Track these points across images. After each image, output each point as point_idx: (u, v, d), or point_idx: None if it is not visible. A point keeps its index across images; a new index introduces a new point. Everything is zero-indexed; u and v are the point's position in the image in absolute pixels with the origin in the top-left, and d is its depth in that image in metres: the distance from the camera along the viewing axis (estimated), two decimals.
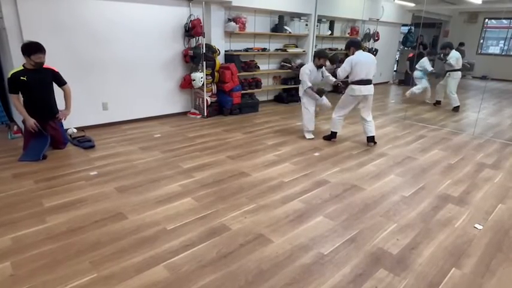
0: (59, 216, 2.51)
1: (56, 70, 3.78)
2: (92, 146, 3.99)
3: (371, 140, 4.40)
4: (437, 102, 7.20)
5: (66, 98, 3.90)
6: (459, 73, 6.59)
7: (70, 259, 2.05)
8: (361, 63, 4.02)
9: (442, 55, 6.60)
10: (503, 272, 2.08)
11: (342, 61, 4.40)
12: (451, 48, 6.56)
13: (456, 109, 6.69)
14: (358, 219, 2.61)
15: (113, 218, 2.51)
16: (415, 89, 7.16)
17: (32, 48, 3.50)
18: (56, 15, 4.11)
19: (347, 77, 4.16)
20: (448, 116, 6.29)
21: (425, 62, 6.97)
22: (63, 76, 3.86)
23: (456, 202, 2.96)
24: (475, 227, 2.57)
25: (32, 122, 3.65)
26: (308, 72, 4.41)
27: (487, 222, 2.64)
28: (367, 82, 4.07)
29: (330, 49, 7.99)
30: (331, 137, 4.52)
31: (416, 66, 7.15)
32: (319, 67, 4.50)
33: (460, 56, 6.56)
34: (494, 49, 13.05)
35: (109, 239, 2.26)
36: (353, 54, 4.11)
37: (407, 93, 7.30)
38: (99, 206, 2.69)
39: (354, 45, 4.17)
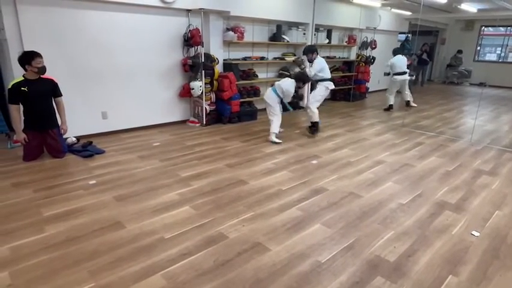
0: (58, 226, 2.52)
1: (55, 81, 3.83)
2: (91, 155, 4.01)
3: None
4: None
5: (61, 111, 3.92)
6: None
7: (68, 268, 2.05)
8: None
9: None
10: (499, 279, 2.08)
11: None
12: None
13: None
14: (355, 227, 2.62)
15: (111, 227, 2.52)
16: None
17: (31, 55, 3.56)
18: (56, 26, 4.17)
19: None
20: (445, 123, 6.33)
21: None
22: (62, 85, 3.89)
23: (453, 209, 2.97)
24: (472, 234, 2.58)
25: (22, 137, 3.73)
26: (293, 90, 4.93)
27: (484, 229, 2.65)
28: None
29: (328, 57, 8.07)
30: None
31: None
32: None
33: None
34: (491, 56, 13.16)
35: (107, 248, 2.27)
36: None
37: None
38: (97, 215, 2.70)
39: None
